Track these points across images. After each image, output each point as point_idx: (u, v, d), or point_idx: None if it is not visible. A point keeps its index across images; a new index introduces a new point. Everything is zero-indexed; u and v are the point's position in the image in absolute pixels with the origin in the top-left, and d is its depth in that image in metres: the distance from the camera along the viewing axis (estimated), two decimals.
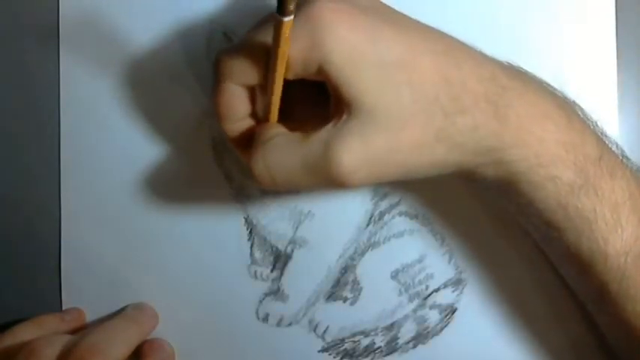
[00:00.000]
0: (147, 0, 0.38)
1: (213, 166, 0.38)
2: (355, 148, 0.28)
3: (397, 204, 0.38)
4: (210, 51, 0.38)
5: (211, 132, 0.38)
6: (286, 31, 0.26)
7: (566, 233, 0.31)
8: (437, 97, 0.28)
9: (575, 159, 0.30)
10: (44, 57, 0.38)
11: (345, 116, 0.28)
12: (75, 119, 0.38)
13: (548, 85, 0.32)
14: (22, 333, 0.35)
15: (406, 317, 0.38)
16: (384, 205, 0.38)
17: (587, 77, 0.37)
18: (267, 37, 0.27)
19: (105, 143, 0.38)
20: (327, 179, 0.29)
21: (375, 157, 0.28)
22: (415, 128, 0.28)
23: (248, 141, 0.31)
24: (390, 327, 0.38)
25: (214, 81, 0.31)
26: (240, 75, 0.30)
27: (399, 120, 0.28)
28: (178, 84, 0.38)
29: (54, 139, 0.38)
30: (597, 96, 0.35)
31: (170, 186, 0.38)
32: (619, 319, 0.31)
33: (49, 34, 0.38)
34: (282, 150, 0.29)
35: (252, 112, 0.32)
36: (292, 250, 0.38)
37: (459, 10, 0.37)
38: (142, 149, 0.38)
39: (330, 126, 0.29)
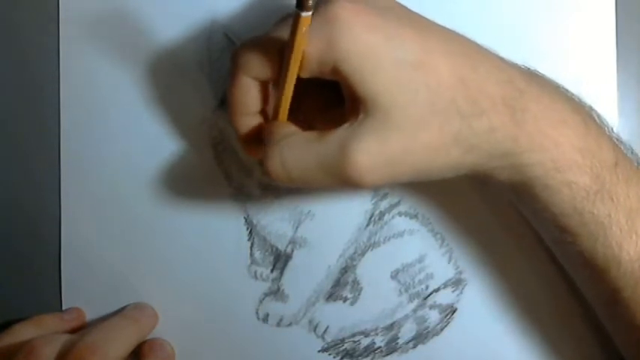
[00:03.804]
0: (147, 0, 0.38)
1: (213, 166, 0.38)
2: (371, 149, 0.28)
3: (397, 204, 0.38)
4: (210, 51, 0.38)
5: (211, 131, 0.38)
6: (303, 26, 0.26)
7: (580, 238, 0.31)
8: (453, 99, 0.28)
9: (591, 164, 0.30)
10: (44, 57, 0.38)
11: (361, 116, 0.28)
12: (75, 119, 0.38)
13: (565, 89, 0.32)
14: (22, 332, 0.35)
15: (406, 317, 0.38)
16: (384, 205, 0.38)
17: (587, 77, 0.37)
18: (285, 33, 0.28)
19: (105, 143, 0.38)
20: (342, 179, 0.29)
21: (391, 158, 0.28)
22: (431, 130, 0.28)
23: (255, 138, 0.32)
24: (390, 327, 0.38)
25: (230, 73, 0.31)
26: (255, 68, 0.30)
27: (415, 121, 0.28)
28: (178, 84, 0.38)
29: (54, 139, 0.38)
30: (597, 96, 0.35)
31: (170, 186, 0.38)
32: (631, 325, 0.31)
33: (50, 34, 0.38)
34: (299, 149, 0.29)
35: (262, 110, 0.32)
36: (292, 250, 0.38)
37: (459, 10, 0.37)
38: (141, 149, 0.38)
39: (346, 126, 0.29)
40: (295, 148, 0.29)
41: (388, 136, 0.28)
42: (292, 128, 0.31)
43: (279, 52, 0.29)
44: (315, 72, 0.29)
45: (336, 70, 0.28)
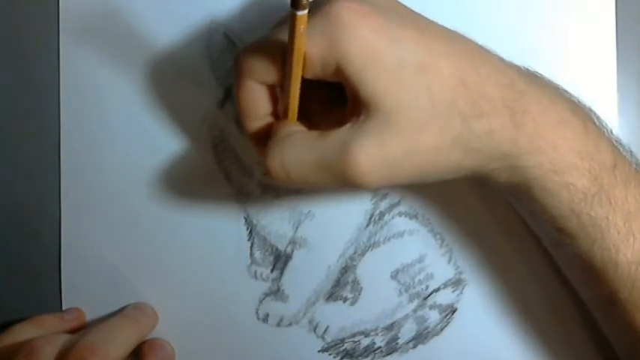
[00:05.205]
0: (146, 0, 0.38)
1: (213, 166, 0.38)
2: (372, 150, 0.28)
3: (397, 204, 0.38)
4: (210, 51, 0.38)
5: (211, 131, 0.38)
6: (300, 25, 0.26)
7: (578, 240, 0.31)
8: (454, 101, 0.28)
9: (589, 167, 0.30)
10: (44, 56, 0.38)
11: (362, 117, 0.28)
12: (75, 119, 0.38)
13: (565, 91, 0.32)
14: (22, 332, 0.35)
15: (406, 317, 0.38)
16: (384, 205, 0.38)
17: (587, 77, 0.37)
18: (285, 34, 0.27)
19: (105, 143, 0.38)
20: (341, 179, 0.28)
21: (392, 159, 0.28)
22: (432, 132, 0.28)
23: (267, 138, 0.31)
24: (390, 327, 0.38)
25: (235, 79, 0.31)
26: (259, 72, 0.30)
27: (417, 123, 0.28)
28: (178, 84, 0.38)
29: (54, 139, 0.38)
30: (597, 96, 0.35)
31: (170, 186, 0.38)
32: (628, 328, 0.31)
33: (49, 34, 0.38)
34: (299, 147, 0.29)
35: (273, 112, 0.32)
36: (292, 250, 0.38)
37: (458, 11, 0.37)
38: (141, 149, 0.38)
39: (347, 126, 0.29)
40: (296, 146, 0.29)
41: (389, 138, 0.28)
42: (296, 127, 0.31)
43: (281, 54, 0.28)
44: (318, 73, 0.29)
45: (338, 71, 0.28)
